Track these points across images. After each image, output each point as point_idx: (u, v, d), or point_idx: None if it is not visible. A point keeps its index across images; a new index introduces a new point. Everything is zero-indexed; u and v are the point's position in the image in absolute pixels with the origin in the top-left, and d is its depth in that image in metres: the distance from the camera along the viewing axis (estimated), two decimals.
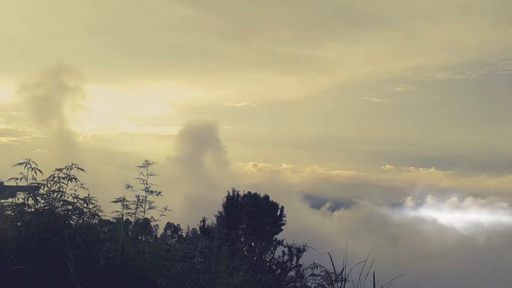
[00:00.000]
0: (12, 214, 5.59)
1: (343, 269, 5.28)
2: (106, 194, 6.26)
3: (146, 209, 5.99)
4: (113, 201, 5.93)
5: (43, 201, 5.65)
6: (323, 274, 5.34)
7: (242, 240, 15.60)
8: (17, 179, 5.59)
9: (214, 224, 17.61)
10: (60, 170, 5.73)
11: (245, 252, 15.32)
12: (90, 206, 5.84)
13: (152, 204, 6.03)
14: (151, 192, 6.04)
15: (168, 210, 6.05)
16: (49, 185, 5.70)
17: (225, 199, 18.51)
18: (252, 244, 16.57)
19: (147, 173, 6.06)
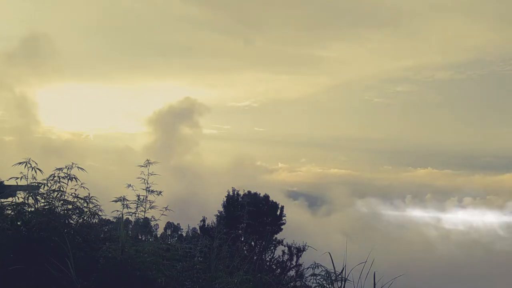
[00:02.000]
0: (12, 213, 5.60)
1: (343, 268, 5.28)
2: (106, 193, 6.26)
3: (146, 209, 5.99)
4: (113, 201, 5.93)
5: (43, 200, 5.65)
6: (323, 273, 5.34)
7: (242, 239, 15.59)
8: (17, 178, 5.59)
9: (214, 223, 17.62)
10: (60, 169, 5.74)
11: (245, 251, 15.31)
12: (90, 205, 5.84)
13: (153, 204, 6.02)
14: (152, 191, 6.03)
15: (169, 209, 6.05)
16: (49, 184, 5.70)
17: (225, 199, 18.52)
18: (252, 243, 16.58)
19: (148, 173, 6.06)
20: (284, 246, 16.60)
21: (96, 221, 5.99)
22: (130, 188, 6.02)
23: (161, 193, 6.06)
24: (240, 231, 15.69)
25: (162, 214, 6.09)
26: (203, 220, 18.45)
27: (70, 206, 5.73)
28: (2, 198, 5.81)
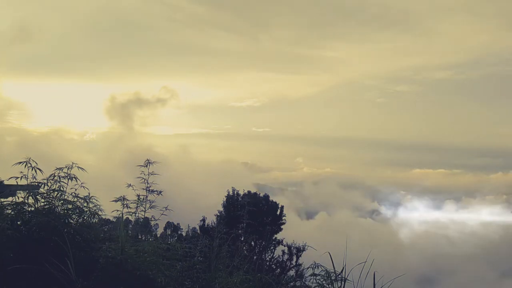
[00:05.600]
0: (12, 213, 5.59)
1: (343, 268, 5.28)
2: (106, 193, 6.25)
3: (146, 208, 5.99)
4: (113, 200, 5.93)
5: (43, 200, 5.65)
6: (323, 273, 5.34)
7: (242, 239, 15.59)
8: (17, 178, 5.59)
9: (214, 223, 17.60)
10: (60, 169, 5.74)
11: (245, 251, 15.31)
12: (90, 205, 5.85)
13: (153, 203, 6.02)
14: (152, 191, 6.03)
15: (169, 209, 6.05)
16: (49, 184, 5.70)
17: (225, 198, 18.51)
18: (252, 243, 16.56)
19: (148, 172, 6.06)
20: (284, 246, 16.59)
21: (96, 220, 5.99)
22: (130, 187, 6.02)
23: (161, 193, 6.07)
24: (240, 231, 15.68)
25: (162, 214, 6.09)
26: (203, 220, 18.43)
27: (70, 206, 5.73)
28: (2, 197, 5.80)
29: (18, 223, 5.52)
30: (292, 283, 6.95)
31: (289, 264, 16.14)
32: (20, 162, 5.63)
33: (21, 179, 5.60)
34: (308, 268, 5.51)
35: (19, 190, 5.71)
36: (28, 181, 5.62)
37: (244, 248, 15.48)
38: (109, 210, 6.00)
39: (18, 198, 5.70)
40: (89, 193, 5.85)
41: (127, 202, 5.96)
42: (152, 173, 6.06)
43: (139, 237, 7.33)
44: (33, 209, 5.59)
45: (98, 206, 5.90)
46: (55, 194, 5.67)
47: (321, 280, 5.33)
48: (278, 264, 16.21)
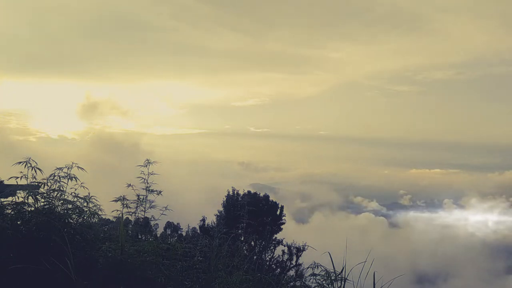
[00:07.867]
0: (12, 212, 5.59)
1: (342, 268, 5.28)
2: (106, 192, 6.26)
3: (146, 208, 6.00)
4: (113, 200, 5.94)
5: (43, 200, 5.65)
6: (323, 273, 5.34)
7: (242, 239, 15.59)
8: (17, 177, 5.59)
9: (214, 223, 17.61)
10: (60, 169, 5.74)
11: (245, 251, 15.30)
12: (90, 205, 5.85)
13: (153, 203, 6.03)
14: (152, 191, 6.04)
15: (169, 209, 6.06)
16: (49, 184, 5.70)
17: (225, 198, 18.52)
18: (252, 243, 16.55)
19: (148, 172, 6.07)
20: (284, 246, 16.59)
21: (96, 220, 5.99)
22: (130, 187, 6.03)
23: (161, 193, 6.08)
24: (240, 231, 15.67)
25: (162, 214, 6.10)
26: (203, 220, 18.43)
27: (70, 206, 5.73)
28: (2, 197, 5.80)
29: (18, 223, 5.52)
30: (292, 283, 6.93)
31: (289, 264, 16.14)
32: (20, 162, 5.63)
33: (21, 179, 5.60)
34: (308, 268, 5.51)
35: (19, 190, 5.71)
36: (28, 181, 5.62)
37: (244, 248, 15.48)
38: (109, 210, 6.01)
39: (18, 198, 5.70)
40: (89, 193, 5.85)
41: (127, 202, 5.97)
42: (152, 173, 6.08)
43: (139, 237, 7.33)
44: (33, 209, 5.59)
45: (98, 206, 5.90)
46: (55, 194, 5.67)
47: (321, 280, 5.33)
48: (278, 264, 16.21)
